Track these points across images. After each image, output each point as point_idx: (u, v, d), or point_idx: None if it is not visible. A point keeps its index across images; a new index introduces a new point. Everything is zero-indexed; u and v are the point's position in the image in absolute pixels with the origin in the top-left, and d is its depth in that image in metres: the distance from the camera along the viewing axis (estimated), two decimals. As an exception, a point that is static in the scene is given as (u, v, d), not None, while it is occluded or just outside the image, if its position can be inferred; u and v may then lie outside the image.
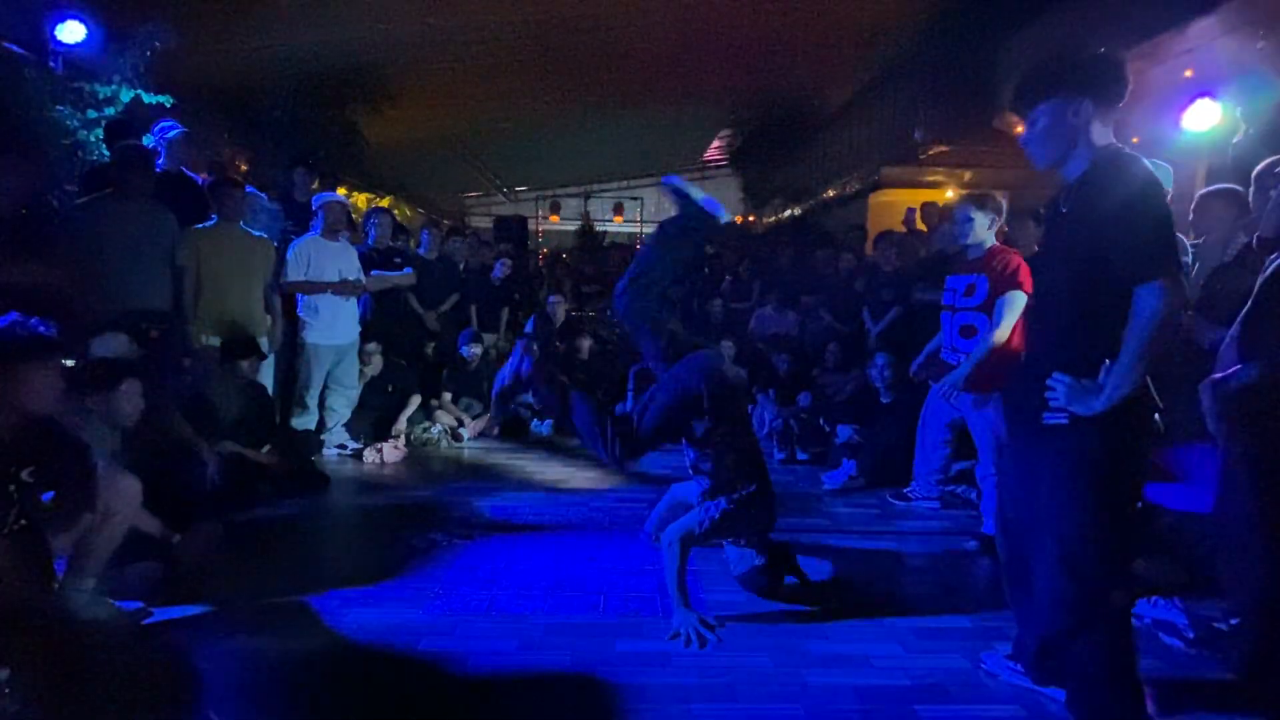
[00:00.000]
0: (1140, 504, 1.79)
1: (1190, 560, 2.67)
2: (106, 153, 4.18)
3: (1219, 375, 2.10)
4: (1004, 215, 3.29)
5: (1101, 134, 1.71)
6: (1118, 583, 1.76)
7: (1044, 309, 1.87)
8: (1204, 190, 3.25)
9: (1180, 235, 2.97)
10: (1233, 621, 2.28)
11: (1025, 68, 1.80)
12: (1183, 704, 2.02)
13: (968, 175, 8.85)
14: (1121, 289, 1.61)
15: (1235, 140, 4.16)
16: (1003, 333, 3.06)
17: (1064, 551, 1.72)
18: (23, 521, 1.92)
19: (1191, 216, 3.18)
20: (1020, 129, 1.84)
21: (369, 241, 5.21)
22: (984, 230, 3.22)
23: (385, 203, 9.95)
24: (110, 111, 4.46)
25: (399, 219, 9.55)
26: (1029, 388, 1.79)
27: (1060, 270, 1.77)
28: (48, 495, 2.06)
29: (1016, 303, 3.05)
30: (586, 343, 6.12)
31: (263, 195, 4.92)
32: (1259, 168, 2.68)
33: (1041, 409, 1.72)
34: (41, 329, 1.92)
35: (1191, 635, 2.30)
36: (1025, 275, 3.11)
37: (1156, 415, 1.71)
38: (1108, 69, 1.72)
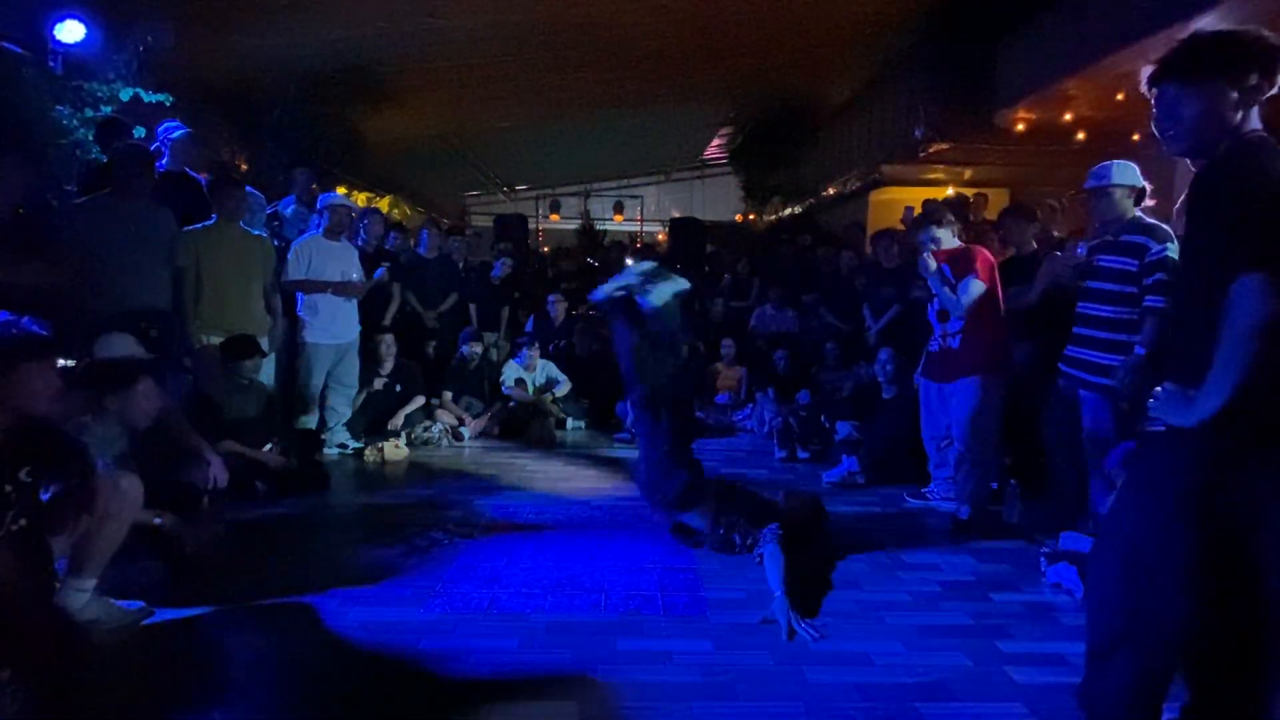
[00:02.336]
0: (1232, 539, 1.50)
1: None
2: (101, 152, 4.18)
3: None
4: (956, 218, 3.60)
5: (1248, 121, 1.52)
6: (1174, 609, 1.54)
7: (1174, 312, 1.74)
8: None
9: (1153, 221, 2.99)
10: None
11: (1166, 50, 1.58)
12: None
13: (968, 173, 8.85)
14: (1222, 285, 1.40)
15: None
16: (964, 302, 3.31)
17: (1126, 568, 1.56)
18: (22, 522, 1.92)
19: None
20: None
21: (358, 242, 5.21)
22: (950, 240, 3.49)
23: (385, 202, 9.96)
24: (108, 111, 4.46)
25: (399, 218, 9.57)
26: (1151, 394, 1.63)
27: (1182, 270, 1.63)
28: (46, 495, 2.06)
29: (973, 287, 3.30)
30: (586, 341, 6.12)
31: (289, 200, 4.99)
32: None
33: (1148, 414, 1.59)
34: (34, 328, 1.92)
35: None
36: (983, 264, 3.36)
37: (1259, 431, 1.43)
38: (1260, 51, 1.50)
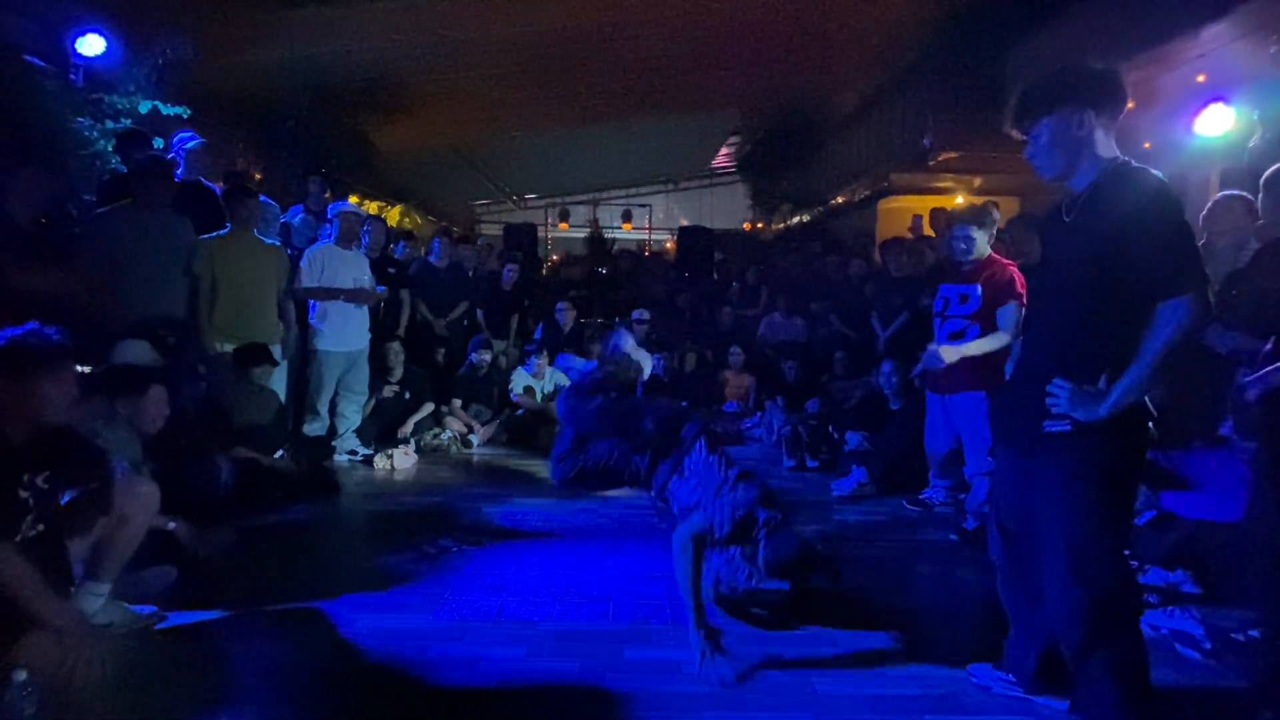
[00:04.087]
0: (1156, 511, 1.77)
1: (1207, 569, 2.63)
2: (121, 162, 4.26)
3: (1256, 376, 2.07)
4: (997, 224, 3.44)
5: (1106, 145, 1.73)
6: (1129, 587, 1.75)
7: (1045, 317, 1.84)
8: (1220, 194, 3.24)
9: None
10: (1252, 633, 2.25)
11: (1023, 86, 1.79)
12: (1199, 716, 1.99)
13: (977, 181, 8.82)
14: (1138, 300, 1.60)
15: (1251, 144, 4.13)
16: (1008, 338, 3.16)
17: (1075, 561, 1.69)
18: (40, 527, 1.95)
19: (1202, 221, 3.17)
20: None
21: (361, 249, 5.27)
22: (985, 245, 3.35)
23: (396, 211, 10.05)
24: (127, 123, 4.55)
25: (410, 227, 9.66)
26: (1026, 396, 1.78)
27: (1066, 278, 1.75)
28: (64, 499, 2.09)
29: (1015, 312, 3.19)
30: (596, 349, 6.13)
31: (297, 208, 5.03)
32: (1268, 173, 2.67)
33: (1041, 416, 1.71)
34: (54, 336, 1.95)
35: (1208, 646, 2.27)
36: (1021, 284, 3.22)
37: (1150, 424, 1.71)
38: (1107, 81, 1.74)
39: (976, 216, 3.37)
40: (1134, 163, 1.71)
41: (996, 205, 7.31)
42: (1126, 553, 1.80)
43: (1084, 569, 1.69)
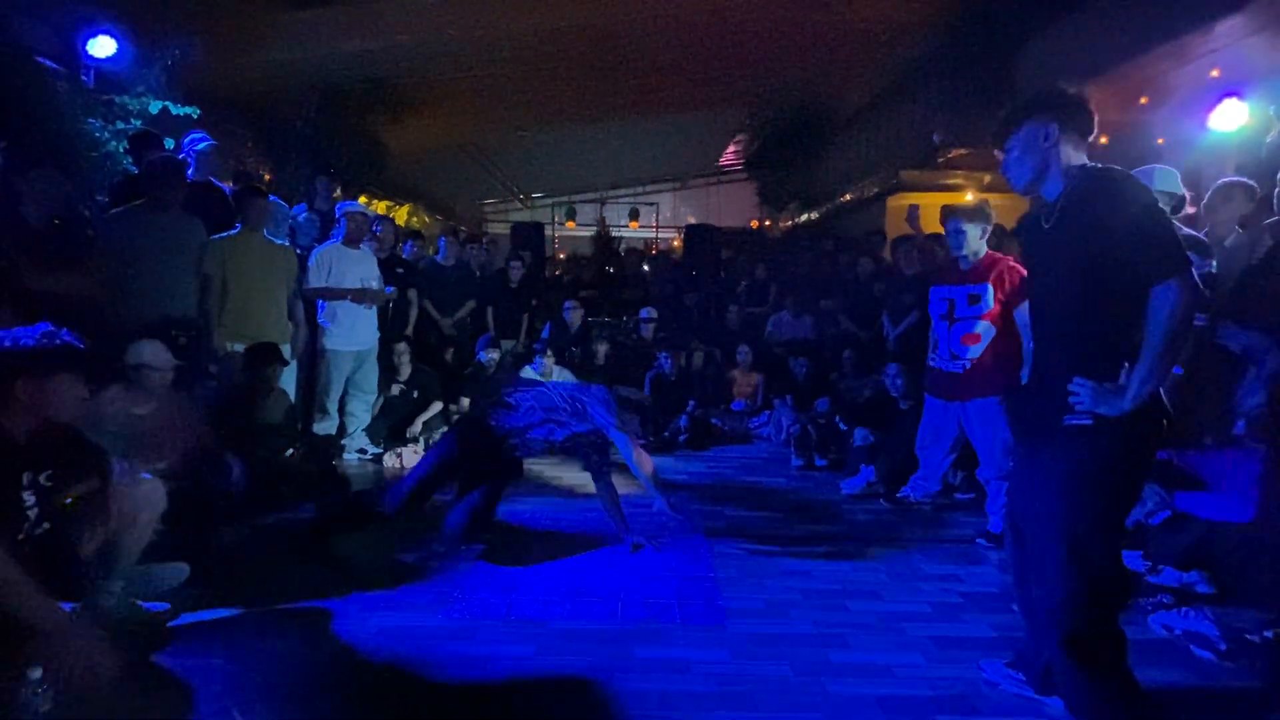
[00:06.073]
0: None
1: (1222, 570, 2.61)
2: (131, 163, 4.29)
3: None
4: (992, 221, 3.35)
5: (1075, 156, 1.81)
6: (1123, 581, 1.78)
7: (1047, 319, 1.90)
8: (1219, 182, 3.20)
9: (1192, 233, 2.93)
10: (1267, 633, 2.23)
11: (1018, 100, 1.91)
12: (1213, 717, 1.97)
13: (987, 178, 8.74)
14: (1135, 292, 1.65)
15: (1268, 140, 4.08)
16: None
17: (1074, 549, 1.72)
18: (45, 525, 1.96)
19: (1203, 210, 3.14)
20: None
21: (369, 249, 5.28)
22: (977, 240, 3.27)
23: (404, 210, 10.08)
24: (138, 124, 4.58)
25: (418, 226, 9.70)
26: (1041, 394, 1.83)
27: (1058, 283, 1.82)
28: (69, 500, 2.10)
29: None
30: (603, 348, 6.13)
31: (301, 207, 5.04)
32: None
33: (1061, 412, 1.74)
34: (71, 340, 1.97)
35: (1223, 647, 2.25)
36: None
37: (1164, 421, 1.73)
38: (1072, 99, 1.83)
39: (968, 211, 3.32)
40: (1106, 165, 1.78)
41: (988, 203, 7.27)
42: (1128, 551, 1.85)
43: (1083, 558, 1.71)
